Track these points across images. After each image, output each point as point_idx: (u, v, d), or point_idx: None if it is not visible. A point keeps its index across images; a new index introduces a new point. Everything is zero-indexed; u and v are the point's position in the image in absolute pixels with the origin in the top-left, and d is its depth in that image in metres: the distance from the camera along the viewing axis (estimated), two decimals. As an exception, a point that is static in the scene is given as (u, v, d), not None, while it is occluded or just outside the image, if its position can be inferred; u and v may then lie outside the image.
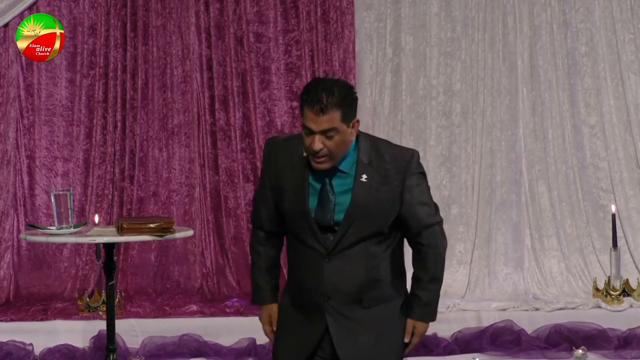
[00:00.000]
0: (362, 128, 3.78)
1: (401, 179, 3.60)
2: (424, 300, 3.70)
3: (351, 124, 3.54)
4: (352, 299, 3.61)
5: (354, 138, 3.58)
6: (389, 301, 3.68)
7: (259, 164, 7.05)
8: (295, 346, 3.69)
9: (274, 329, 3.81)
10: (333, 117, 3.49)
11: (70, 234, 5.23)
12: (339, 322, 3.62)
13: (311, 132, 3.51)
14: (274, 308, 3.81)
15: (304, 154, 3.59)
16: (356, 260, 3.59)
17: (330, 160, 3.54)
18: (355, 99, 3.57)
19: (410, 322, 3.71)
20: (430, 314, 3.75)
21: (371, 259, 3.62)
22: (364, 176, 3.58)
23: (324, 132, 3.49)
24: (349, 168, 3.59)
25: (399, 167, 3.62)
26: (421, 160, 8.06)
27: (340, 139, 3.51)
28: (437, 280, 3.71)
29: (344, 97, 3.51)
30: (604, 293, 6.88)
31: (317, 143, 3.50)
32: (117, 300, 6.26)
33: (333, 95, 3.49)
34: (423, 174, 3.68)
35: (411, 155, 3.65)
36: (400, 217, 3.63)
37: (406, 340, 3.72)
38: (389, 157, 3.63)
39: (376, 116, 7.40)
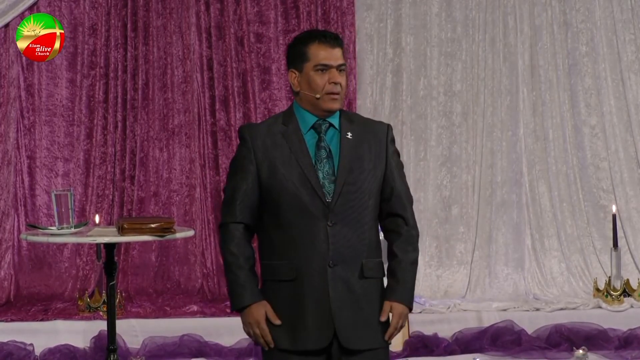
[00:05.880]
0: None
1: (384, 143, 3.65)
2: (408, 282, 3.63)
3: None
4: (355, 265, 3.56)
5: None
6: (379, 277, 3.64)
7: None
8: (314, 330, 3.56)
9: (272, 324, 3.57)
10: (341, 53, 3.61)
11: (71, 234, 5.23)
12: (341, 294, 3.54)
13: (327, 68, 3.57)
14: (267, 304, 3.57)
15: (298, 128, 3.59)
16: (356, 225, 3.56)
17: (340, 100, 3.60)
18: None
19: (388, 304, 3.62)
20: (411, 298, 3.66)
21: (369, 226, 3.60)
22: (349, 134, 3.62)
23: (339, 67, 3.58)
24: (337, 125, 3.64)
25: (378, 131, 3.67)
26: (421, 161, 8.07)
27: (346, 78, 3.62)
28: (417, 262, 3.67)
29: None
30: (605, 293, 6.88)
31: (339, 76, 3.58)
32: (117, 300, 6.26)
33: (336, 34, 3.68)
34: (397, 151, 3.73)
35: (387, 125, 3.72)
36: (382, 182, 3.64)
37: (382, 318, 3.60)
38: (368, 122, 3.72)
39: (377, 116, 7.38)
